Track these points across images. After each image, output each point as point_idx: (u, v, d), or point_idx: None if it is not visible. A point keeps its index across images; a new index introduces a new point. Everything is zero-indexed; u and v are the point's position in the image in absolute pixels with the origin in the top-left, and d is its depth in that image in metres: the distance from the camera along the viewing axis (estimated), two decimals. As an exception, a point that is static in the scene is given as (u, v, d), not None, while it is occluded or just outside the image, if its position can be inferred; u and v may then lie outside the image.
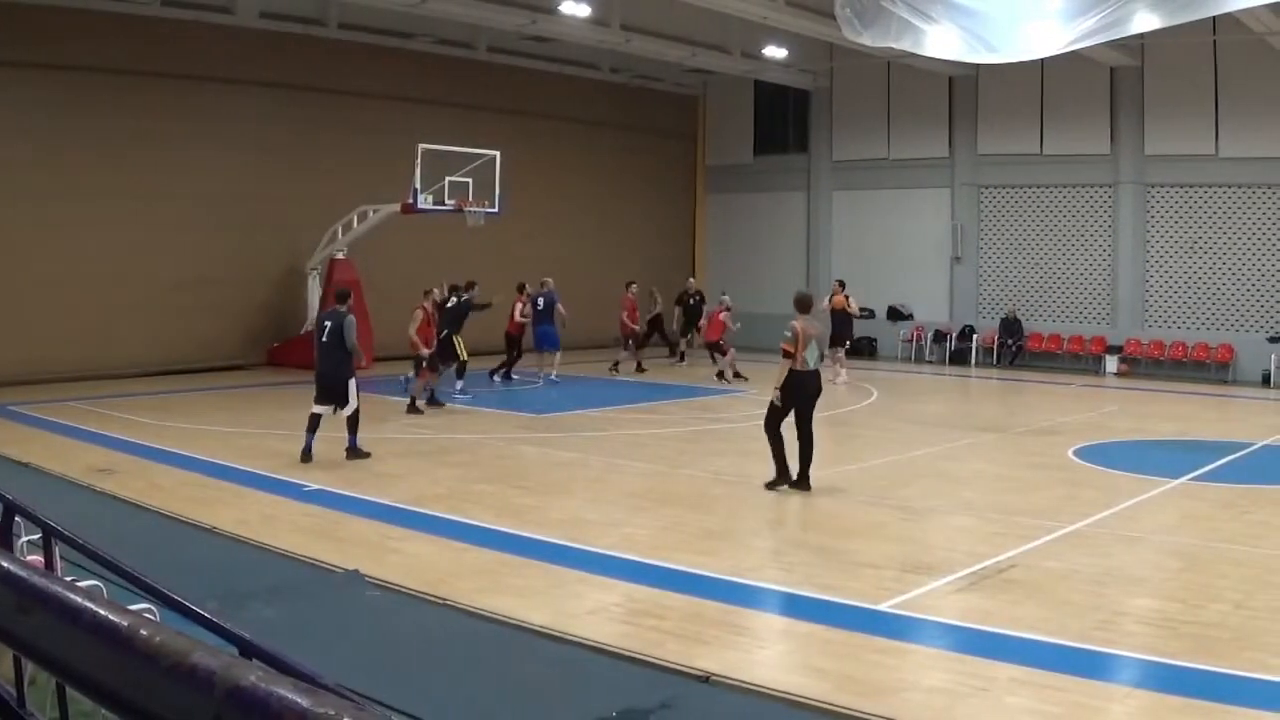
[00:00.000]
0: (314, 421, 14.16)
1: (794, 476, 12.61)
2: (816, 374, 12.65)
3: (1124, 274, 27.75)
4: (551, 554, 9.87)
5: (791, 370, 12.42)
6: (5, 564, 1.71)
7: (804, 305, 13.03)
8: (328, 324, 14.13)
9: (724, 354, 23.85)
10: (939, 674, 7.07)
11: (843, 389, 22.45)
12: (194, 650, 1.37)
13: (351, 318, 14.10)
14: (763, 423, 12.78)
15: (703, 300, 27.51)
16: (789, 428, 12.64)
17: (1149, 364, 27.32)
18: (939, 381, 26.77)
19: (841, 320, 24.25)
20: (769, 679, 6.91)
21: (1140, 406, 21.81)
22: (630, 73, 32.66)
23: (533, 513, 11.53)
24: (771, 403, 12.63)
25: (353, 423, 14.18)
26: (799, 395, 12.51)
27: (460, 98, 28.18)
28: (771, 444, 12.63)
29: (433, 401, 19.15)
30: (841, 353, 23.94)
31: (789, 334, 12.44)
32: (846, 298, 24.56)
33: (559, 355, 23.14)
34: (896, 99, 31.07)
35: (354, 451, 14.23)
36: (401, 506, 11.66)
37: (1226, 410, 21.90)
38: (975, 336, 29.83)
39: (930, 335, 30.73)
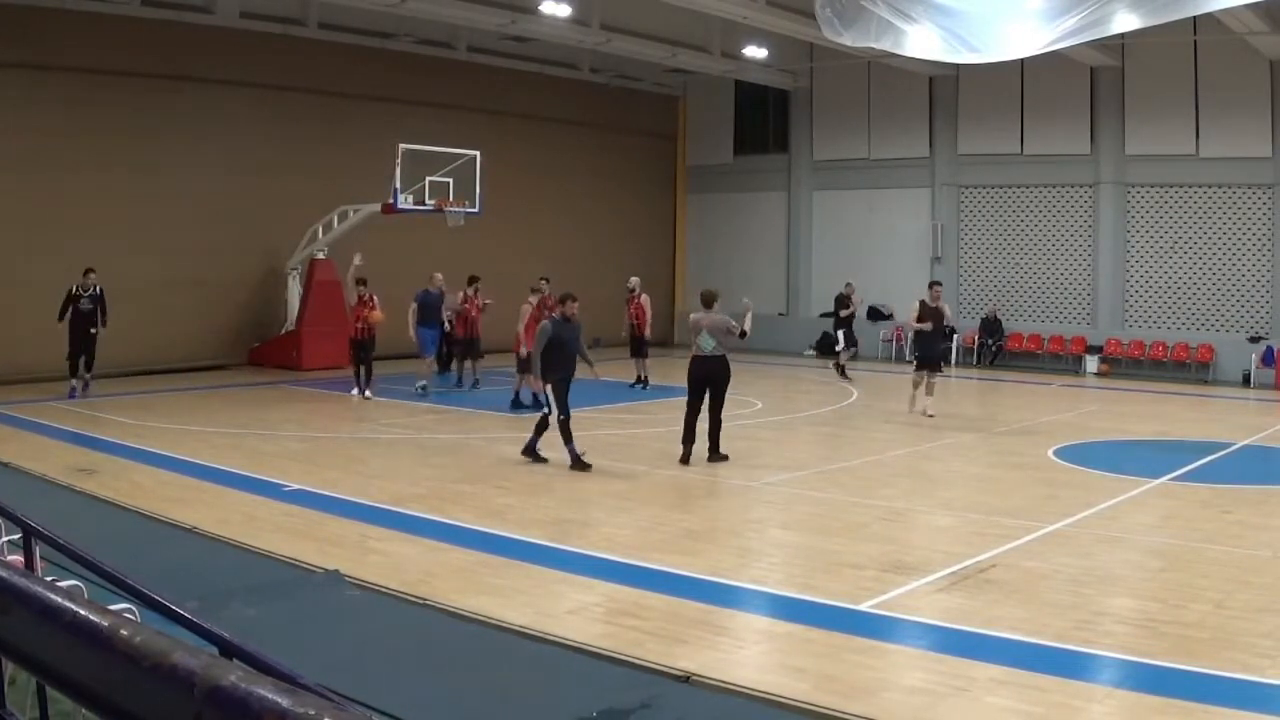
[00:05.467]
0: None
1: (687, 459, 14.13)
2: (717, 359, 14.15)
3: (1104, 274, 27.87)
4: (532, 554, 9.86)
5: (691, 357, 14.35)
6: (-16, 564, 1.70)
7: (706, 300, 14.67)
8: None
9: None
10: (919, 674, 7.08)
11: (927, 419, 18.37)
12: (174, 650, 1.37)
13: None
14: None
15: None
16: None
17: (1129, 364, 27.45)
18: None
19: (934, 331, 19.11)
20: (749, 679, 6.91)
21: (1120, 406, 21.90)
22: (610, 73, 32.64)
23: (513, 513, 11.52)
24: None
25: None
26: (696, 377, 14.20)
27: (440, 98, 28.13)
28: (684, 429, 14.28)
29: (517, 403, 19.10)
30: (928, 375, 18.86)
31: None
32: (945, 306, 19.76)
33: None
34: (877, 99, 31.14)
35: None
36: (382, 506, 11.64)
37: (1207, 410, 21.96)
38: (955, 336, 29.88)
39: (910, 335, 30.70)
